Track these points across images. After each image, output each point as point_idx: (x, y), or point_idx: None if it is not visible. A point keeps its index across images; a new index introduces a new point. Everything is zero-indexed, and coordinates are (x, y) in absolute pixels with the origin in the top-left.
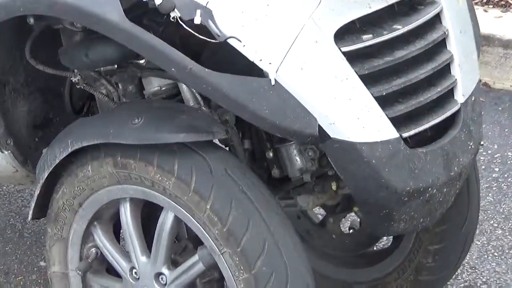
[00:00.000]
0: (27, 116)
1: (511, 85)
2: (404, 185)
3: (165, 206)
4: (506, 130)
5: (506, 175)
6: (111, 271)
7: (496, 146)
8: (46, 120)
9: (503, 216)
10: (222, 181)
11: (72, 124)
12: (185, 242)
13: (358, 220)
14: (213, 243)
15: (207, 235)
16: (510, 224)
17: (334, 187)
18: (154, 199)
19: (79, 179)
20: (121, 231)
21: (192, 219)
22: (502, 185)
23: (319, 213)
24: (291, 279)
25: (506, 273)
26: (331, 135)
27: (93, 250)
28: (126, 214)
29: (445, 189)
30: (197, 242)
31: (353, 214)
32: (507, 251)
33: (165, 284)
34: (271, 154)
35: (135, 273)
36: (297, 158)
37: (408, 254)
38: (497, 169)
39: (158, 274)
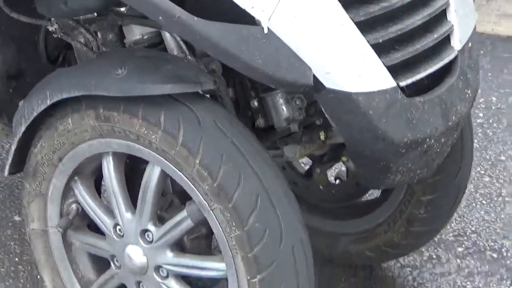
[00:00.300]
0: (0, 67)
1: (493, 29)
2: (402, 136)
3: (151, 161)
4: (489, 74)
5: (491, 121)
6: (93, 227)
7: (479, 91)
8: (20, 71)
9: (490, 162)
10: (211, 134)
11: (50, 75)
12: (170, 197)
13: (345, 170)
14: (202, 199)
15: (196, 191)
16: (497, 171)
17: (322, 137)
18: (139, 153)
19: (59, 132)
20: (102, 186)
21: (180, 174)
22: (487, 130)
23: (302, 162)
24: (285, 235)
25: (495, 221)
26: (326, 85)
27: (74, 206)
28: (109, 169)
29: (443, 139)
30: (184, 197)
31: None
32: (495, 199)
33: (152, 241)
34: (256, 104)
35: (119, 230)
36: (284, 107)
37: (399, 205)
38: (481, 115)
39: (144, 231)
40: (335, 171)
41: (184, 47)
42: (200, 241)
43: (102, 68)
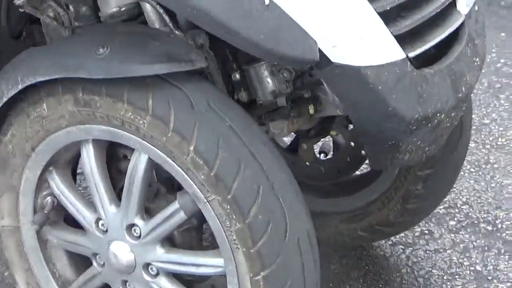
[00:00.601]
0: None
1: None
2: (413, 113)
3: (137, 148)
4: None
5: None
6: (70, 222)
7: None
8: None
9: (474, 127)
10: (205, 117)
11: (20, 55)
12: (156, 186)
13: (330, 143)
14: (197, 190)
15: (190, 181)
16: (482, 136)
17: (311, 110)
18: (123, 140)
19: (32, 119)
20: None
21: (172, 162)
22: None
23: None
24: (291, 227)
25: (486, 191)
26: (333, 60)
27: (49, 199)
28: (90, 158)
29: (453, 113)
30: (171, 185)
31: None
32: (483, 166)
33: (139, 237)
34: (237, 76)
35: (102, 225)
36: (269, 80)
37: (394, 181)
38: None
39: (130, 226)
40: (320, 145)
41: (167, 19)
42: (191, 234)
43: (82, 48)
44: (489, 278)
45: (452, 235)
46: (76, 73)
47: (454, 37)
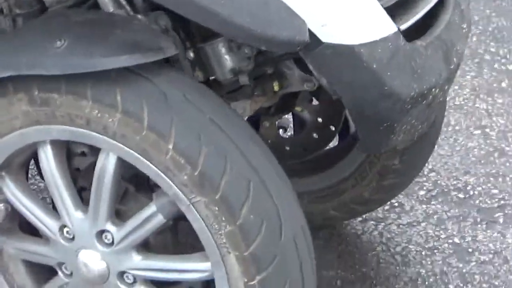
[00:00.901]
0: None
1: None
2: (408, 90)
3: (105, 148)
4: None
5: None
6: (25, 228)
7: None
8: None
9: None
10: (183, 111)
11: None
12: (124, 185)
13: (289, 118)
14: (179, 191)
15: (170, 182)
16: None
17: (276, 87)
18: (88, 140)
19: None
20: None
21: (148, 162)
22: None
23: None
24: (285, 225)
25: (451, 155)
26: (323, 40)
27: (2, 206)
28: (49, 160)
29: (446, 87)
30: (140, 183)
31: None
32: (445, 129)
33: (112, 244)
34: (191, 55)
35: (68, 232)
36: (227, 57)
37: (367, 156)
38: None
39: (101, 232)
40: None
41: (123, 1)
42: (166, 236)
43: (35, 41)
44: (470, 250)
45: (424, 206)
46: (31, 70)
47: (439, 4)
